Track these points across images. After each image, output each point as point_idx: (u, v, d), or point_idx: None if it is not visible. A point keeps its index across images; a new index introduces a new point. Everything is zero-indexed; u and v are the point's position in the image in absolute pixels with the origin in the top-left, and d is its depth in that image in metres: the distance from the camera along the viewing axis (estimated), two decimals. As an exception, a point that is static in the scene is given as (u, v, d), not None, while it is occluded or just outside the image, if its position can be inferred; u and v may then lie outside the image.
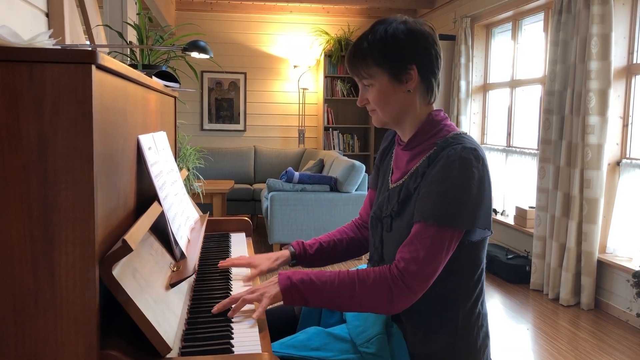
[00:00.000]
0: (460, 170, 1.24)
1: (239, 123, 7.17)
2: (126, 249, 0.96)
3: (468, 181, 1.24)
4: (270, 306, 1.32)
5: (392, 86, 1.33)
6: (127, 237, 0.97)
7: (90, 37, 2.52)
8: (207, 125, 7.11)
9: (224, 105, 7.13)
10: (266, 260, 1.56)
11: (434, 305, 1.34)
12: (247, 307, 1.31)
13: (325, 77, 7.02)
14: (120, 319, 1.03)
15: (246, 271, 1.60)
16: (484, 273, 1.40)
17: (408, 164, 1.39)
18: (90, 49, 0.89)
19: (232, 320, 1.25)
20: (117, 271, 0.96)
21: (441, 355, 1.34)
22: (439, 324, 1.34)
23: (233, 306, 1.28)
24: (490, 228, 1.31)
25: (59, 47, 0.92)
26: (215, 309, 1.27)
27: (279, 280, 1.30)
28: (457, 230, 1.25)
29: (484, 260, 1.38)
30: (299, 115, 7.28)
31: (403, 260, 1.26)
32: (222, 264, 1.58)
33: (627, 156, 3.76)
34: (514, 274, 4.37)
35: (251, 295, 1.29)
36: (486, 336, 1.41)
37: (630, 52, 3.72)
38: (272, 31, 7.15)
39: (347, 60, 1.38)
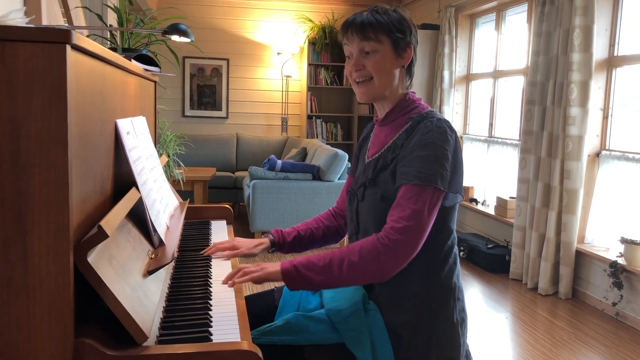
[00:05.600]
0: (438, 137, 1.34)
1: (221, 110, 7.10)
2: (102, 235, 0.93)
3: (445, 146, 1.34)
4: (250, 293, 1.32)
5: (392, 57, 1.43)
6: (103, 223, 0.94)
7: (69, 19, 2.46)
8: (188, 112, 7.03)
9: (206, 91, 7.06)
10: (248, 243, 1.59)
11: (407, 275, 1.38)
12: (228, 296, 1.31)
13: (309, 64, 6.98)
14: (96, 307, 1.01)
15: (226, 262, 1.60)
16: (456, 247, 1.47)
17: (385, 138, 1.48)
18: (65, 28, 0.86)
19: (211, 308, 1.24)
20: (92, 258, 0.94)
21: (419, 327, 1.38)
22: (414, 295, 1.39)
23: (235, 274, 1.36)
24: (461, 192, 1.41)
25: (32, 25, 0.89)
26: (224, 280, 1.36)
27: (282, 263, 1.36)
28: (437, 189, 1.33)
29: (455, 232, 1.46)
30: (282, 103, 7.23)
31: (391, 221, 1.32)
32: (206, 252, 1.58)
33: (607, 148, 3.81)
34: (494, 264, 4.42)
35: (252, 269, 1.36)
36: (462, 310, 1.46)
37: (612, 45, 3.74)
38: (255, 17, 7.07)
39: (353, 24, 1.42)
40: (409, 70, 1.48)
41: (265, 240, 1.62)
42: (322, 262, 1.33)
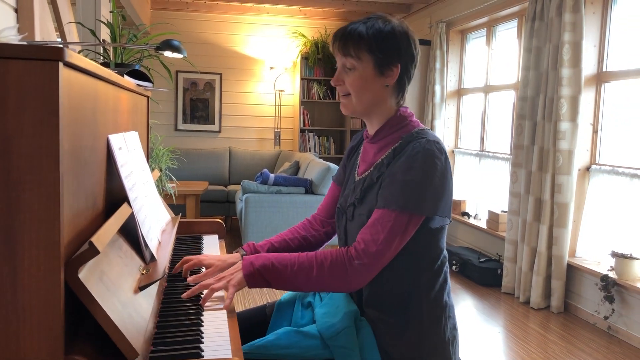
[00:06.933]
0: (423, 161, 1.31)
1: (214, 124, 7.11)
2: (93, 252, 0.93)
3: (431, 171, 1.30)
4: (242, 309, 1.32)
5: (373, 75, 1.38)
6: (94, 239, 0.94)
7: (62, 34, 2.47)
8: (181, 126, 7.04)
9: (199, 105, 7.07)
10: (217, 260, 1.51)
11: (400, 295, 1.39)
12: (220, 311, 1.30)
13: (302, 79, 7.01)
14: (86, 323, 1.01)
15: None
16: (447, 265, 1.45)
17: (375, 156, 1.45)
18: (61, 46, 0.86)
19: (202, 323, 1.23)
20: (83, 274, 0.93)
21: (410, 346, 1.37)
22: (406, 314, 1.38)
23: (203, 295, 1.33)
24: (449, 216, 1.38)
25: (24, 42, 0.89)
26: (185, 295, 1.33)
27: (243, 266, 1.34)
28: (416, 216, 1.31)
29: (445, 251, 1.44)
30: (275, 117, 7.25)
31: (363, 242, 1.32)
32: (175, 270, 1.52)
33: (597, 162, 3.84)
34: (486, 277, 4.42)
35: (218, 284, 1.34)
36: (454, 328, 1.45)
37: (600, 60, 3.79)
38: (248, 32, 7.11)
39: (338, 36, 1.40)
40: (399, 88, 1.43)
41: (236, 256, 1.55)
42: (289, 269, 1.33)
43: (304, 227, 1.69)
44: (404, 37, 1.38)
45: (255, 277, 1.33)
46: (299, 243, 1.64)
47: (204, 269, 1.52)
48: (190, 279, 1.43)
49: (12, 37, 0.91)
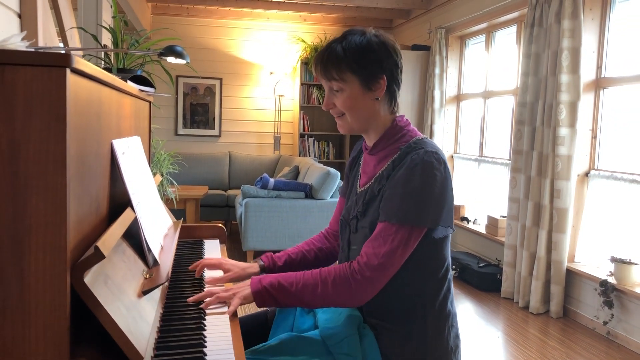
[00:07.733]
0: (422, 173, 1.31)
1: (214, 128, 7.12)
2: (98, 256, 0.94)
3: (431, 183, 1.30)
4: (243, 314, 1.33)
5: (361, 92, 1.38)
6: (99, 243, 0.95)
7: (64, 39, 2.48)
8: (181, 130, 7.05)
9: (199, 110, 7.08)
10: (236, 267, 1.57)
11: (404, 305, 1.39)
12: (222, 316, 1.31)
13: (302, 84, 7.03)
14: (91, 327, 1.01)
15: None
16: (450, 273, 1.45)
17: (374, 168, 1.46)
18: (64, 52, 0.87)
19: (205, 328, 1.24)
20: (88, 278, 0.94)
21: (414, 354, 1.38)
22: (409, 323, 1.38)
23: (206, 300, 1.36)
24: (452, 226, 1.38)
25: (32, 49, 0.90)
26: (191, 299, 1.36)
27: (251, 283, 1.37)
28: (417, 229, 1.32)
29: (449, 259, 1.44)
30: (274, 121, 7.27)
31: (366, 255, 1.33)
32: (193, 267, 1.60)
33: (595, 167, 3.85)
34: (485, 282, 4.43)
35: (224, 294, 1.36)
36: (457, 337, 1.46)
37: (599, 66, 3.81)
38: (248, 37, 7.14)
39: (318, 62, 1.40)
40: (390, 96, 1.42)
41: (255, 266, 1.58)
42: (295, 287, 1.34)
43: (319, 239, 1.71)
44: (382, 48, 1.37)
45: (262, 294, 1.35)
46: (315, 255, 1.66)
47: (211, 273, 1.55)
48: (207, 279, 1.51)
49: (19, 43, 0.92)
